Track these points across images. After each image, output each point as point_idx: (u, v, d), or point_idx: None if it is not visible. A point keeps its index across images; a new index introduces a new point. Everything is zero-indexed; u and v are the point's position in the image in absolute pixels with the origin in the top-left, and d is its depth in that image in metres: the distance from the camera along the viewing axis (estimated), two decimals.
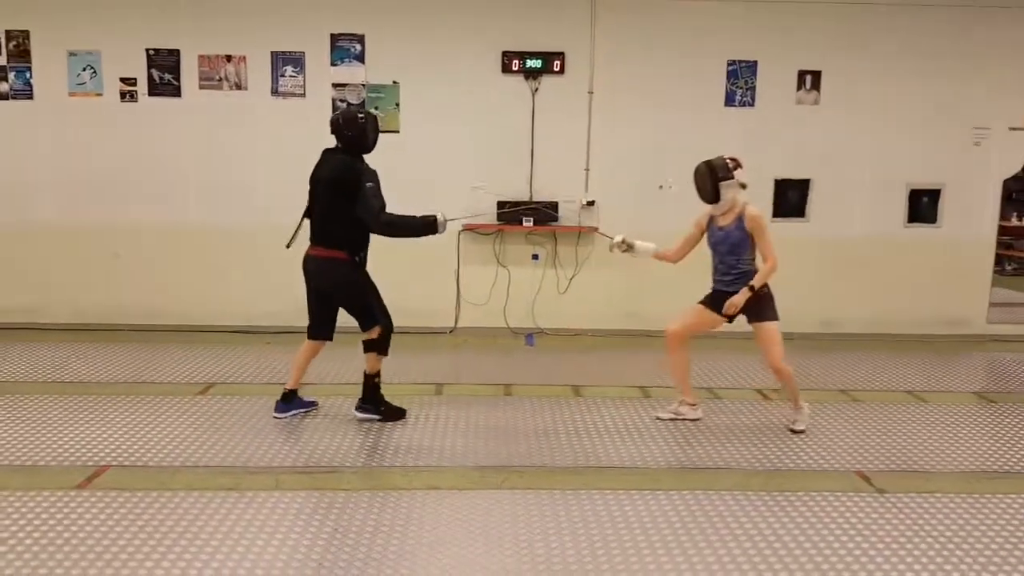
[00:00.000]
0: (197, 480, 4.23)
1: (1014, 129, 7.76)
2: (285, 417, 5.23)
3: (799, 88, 7.66)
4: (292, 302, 7.56)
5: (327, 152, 5.14)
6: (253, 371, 6.35)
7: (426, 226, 5.01)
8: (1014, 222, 12.76)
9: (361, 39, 7.52)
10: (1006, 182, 8.03)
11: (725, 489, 4.24)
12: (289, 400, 5.28)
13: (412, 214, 5.03)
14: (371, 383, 5.19)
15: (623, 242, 5.27)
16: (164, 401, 5.49)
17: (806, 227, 7.76)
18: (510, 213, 7.52)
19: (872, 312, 7.90)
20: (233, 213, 7.60)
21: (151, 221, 7.59)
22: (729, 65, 7.61)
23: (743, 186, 5.00)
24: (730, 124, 7.62)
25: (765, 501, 4.10)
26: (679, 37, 7.56)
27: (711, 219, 5.12)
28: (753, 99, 7.65)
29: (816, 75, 7.64)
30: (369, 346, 5.13)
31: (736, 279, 5.00)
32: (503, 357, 6.96)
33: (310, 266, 5.08)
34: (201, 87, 7.52)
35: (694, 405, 5.35)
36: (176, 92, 7.52)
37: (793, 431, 5.15)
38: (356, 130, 5.00)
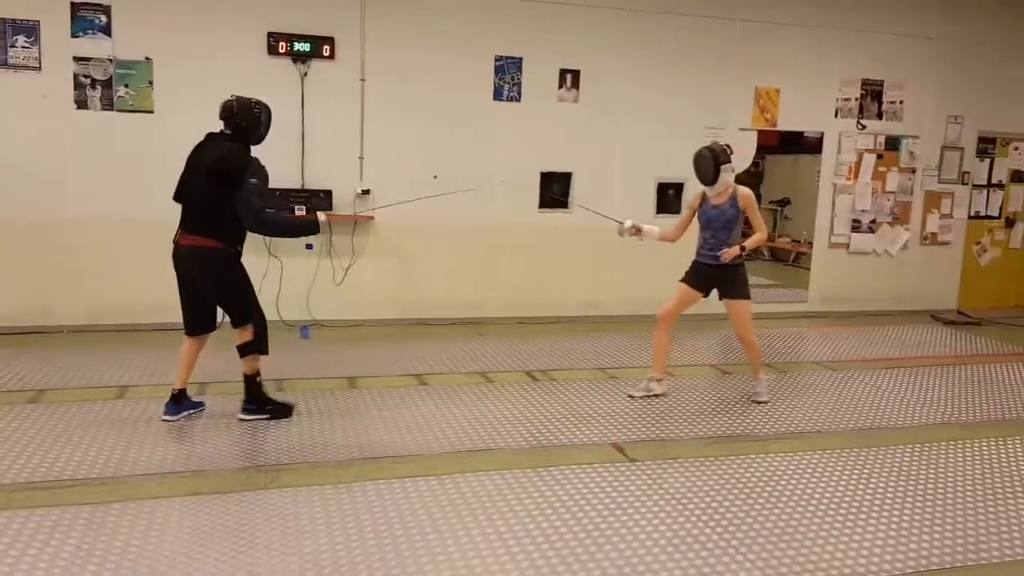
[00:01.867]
0: None
1: (743, 130, 8.73)
2: (176, 419, 4.88)
3: (560, 86, 8.08)
4: (29, 299, 6.93)
5: (212, 136, 4.80)
6: None
7: (305, 226, 4.92)
8: None
9: (107, 10, 6.89)
10: (739, 177, 8.96)
11: (495, 469, 4.41)
12: (179, 401, 4.92)
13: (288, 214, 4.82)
14: (253, 383, 4.96)
15: (633, 226, 5.71)
16: None
17: (568, 217, 8.20)
18: (280, 201, 7.26)
19: (631, 294, 8.53)
20: None
21: None
22: (496, 60, 7.86)
23: (734, 170, 5.57)
24: (499, 117, 7.89)
25: (530, 478, 4.31)
26: (449, 29, 7.68)
27: (704, 199, 5.60)
28: (520, 94, 7.96)
29: (576, 74, 8.10)
30: (245, 349, 4.89)
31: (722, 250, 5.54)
32: (275, 351, 6.71)
33: (183, 255, 4.71)
34: None
35: (661, 380, 5.82)
36: None
37: (756, 402, 5.74)
38: (249, 119, 4.76)
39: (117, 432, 4.75)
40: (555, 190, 8.12)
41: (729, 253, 5.52)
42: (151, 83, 7.04)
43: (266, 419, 5.00)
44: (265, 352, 5.01)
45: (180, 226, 4.79)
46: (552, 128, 8.05)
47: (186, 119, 6.99)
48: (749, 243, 5.56)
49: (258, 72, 7.19)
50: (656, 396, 5.79)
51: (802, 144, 11.70)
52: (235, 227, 4.76)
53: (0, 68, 6.73)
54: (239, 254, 4.87)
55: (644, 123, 8.35)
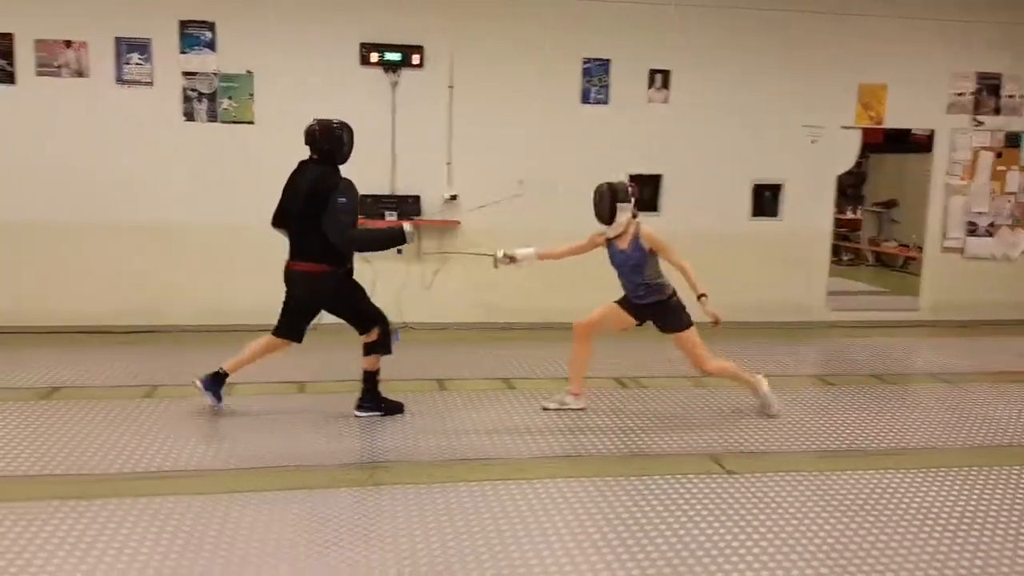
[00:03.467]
0: (38, 489, 3.95)
1: (846, 128, 8.37)
2: (207, 396, 5.07)
3: (650, 86, 7.95)
4: (141, 300, 7.28)
5: (304, 163, 4.96)
6: (101, 374, 5.98)
7: (392, 238, 4.96)
8: (849, 215, 13.79)
9: (212, 26, 7.19)
10: (841, 178, 8.66)
11: (586, 476, 4.34)
12: (216, 382, 5.08)
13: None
14: (371, 381, 5.12)
15: (504, 256, 5.25)
16: (3, 407, 5.08)
17: (657, 221, 8.02)
18: (372, 207, 7.41)
19: (721, 300, 8.25)
20: (75, 208, 7.12)
21: None
22: (584, 63, 7.80)
23: (635, 215, 5.10)
24: (586, 121, 7.82)
25: (623, 486, 4.21)
26: (536, 34, 7.67)
27: (610, 242, 5.19)
28: (607, 97, 7.87)
29: (666, 74, 7.95)
30: (370, 348, 5.04)
31: (647, 292, 5.15)
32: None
33: (294, 278, 4.93)
34: (39, 73, 6.98)
35: (578, 395, 5.46)
36: (9, 79, 6.94)
37: (767, 415, 5.38)
38: (332, 141, 4.88)
39: (224, 425, 4.92)
40: (644, 194, 7.98)
41: (716, 315, 5.00)
42: (252, 95, 7.29)
43: (380, 415, 5.15)
44: (388, 352, 5.13)
45: (289, 252, 4.96)
46: (641, 130, 7.92)
47: (284, 129, 7.21)
48: (698, 286, 4.98)
49: (351, 82, 7.36)
50: (572, 410, 5.44)
51: (909, 142, 11.15)
52: (334, 250, 4.87)
53: (116, 84, 7.11)
54: (349, 272, 4.99)
55: (738, 123, 8.12)
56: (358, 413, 5.15)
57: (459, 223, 7.57)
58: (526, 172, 7.64)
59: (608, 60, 7.82)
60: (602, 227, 5.14)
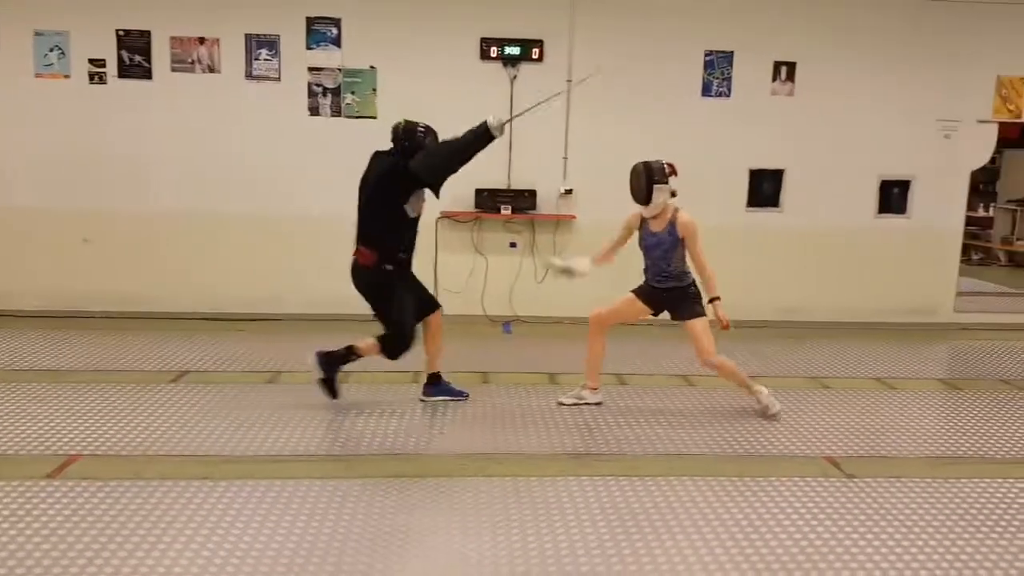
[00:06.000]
0: (171, 469, 4.20)
1: (982, 122, 7.90)
2: (429, 400, 5.32)
3: (774, 79, 7.72)
4: (264, 288, 7.64)
5: (377, 154, 5.13)
6: (226, 359, 6.30)
7: (479, 137, 4.72)
8: (981, 212, 13.01)
9: (338, 23, 7.44)
10: (974, 173, 8.18)
11: (699, 475, 4.30)
12: (434, 383, 5.34)
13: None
14: (349, 358, 5.12)
15: (562, 267, 5.26)
16: (136, 389, 5.43)
17: (780, 217, 7.85)
18: (488, 201, 7.53)
19: (843, 300, 8.00)
20: (205, 198, 7.52)
21: (122, 206, 7.48)
22: (706, 55, 7.65)
23: (673, 194, 5.04)
24: (707, 114, 7.68)
25: (737, 487, 4.16)
26: (658, 27, 7.57)
27: (643, 222, 5.16)
28: (730, 89, 7.70)
29: (791, 66, 7.70)
30: (379, 341, 5.09)
31: (668, 278, 5.12)
32: (480, 345, 6.97)
33: (352, 266, 5.09)
34: (173, 69, 7.41)
35: (595, 390, 5.42)
36: (147, 74, 7.39)
37: (767, 416, 5.21)
38: (413, 141, 4.99)
39: (342, 415, 5.12)
40: (764, 188, 7.78)
41: (724, 319, 4.98)
42: (375, 90, 7.52)
43: (326, 386, 5.10)
44: (393, 359, 5.10)
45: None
46: (764, 123, 7.70)
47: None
48: (717, 292, 4.99)
49: (471, 76, 7.47)
50: (589, 404, 5.36)
51: None
52: (389, 238, 4.97)
53: (246, 79, 7.47)
54: (390, 272, 5.00)
55: (866, 116, 7.78)
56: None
57: (575, 217, 7.59)
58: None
59: (731, 52, 7.65)
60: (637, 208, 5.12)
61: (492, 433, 4.87)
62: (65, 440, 4.53)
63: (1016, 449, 4.86)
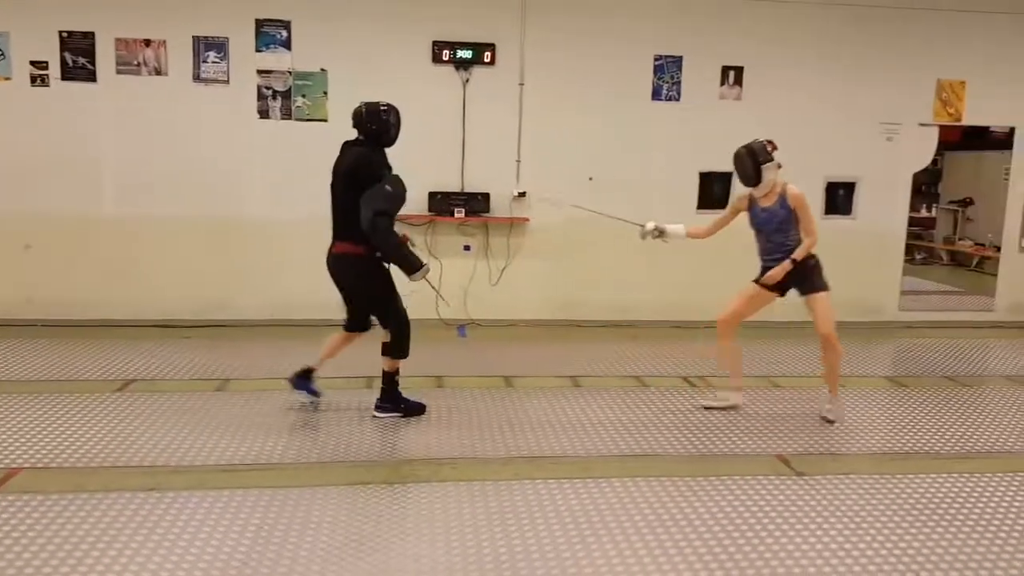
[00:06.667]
0: (115, 481, 4.09)
1: (923, 125, 8.12)
2: (300, 395, 5.18)
3: (723, 83, 7.84)
4: (212, 294, 7.51)
5: (347, 144, 4.99)
6: (173, 367, 6.16)
7: (407, 262, 4.79)
8: (923, 213, 13.38)
9: (288, 25, 7.35)
10: (916, 175, 8.40)
11: (654, 475, 4.33)
12: (304, 377, 5.17)
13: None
14: (389, 382, 5.09)
15: (655, 228, 5.40)
16: (80, 399, 5.28)
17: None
18: (442, 204, 7.50)
19: (791, 301, 8.12)
20: (151, 202, 7.37)
21: (64, 211, 7.29)
22: (656, 60, 7.74)
23: (779, 166, 5.13)
24: (657, 117, 7.77)
25: (691, 486, 4.19)
26: (608, 32, 7.64)
27: (752, 202, 5.23)
28: (679, 93, 7.80)
29: (739, 71, 7.84)
30: (386, 349, 5.02)
31: (784, 255, 5.14)
32: (435, 348, 6.93)
33: (332, 261, 4.96)
34: (119, 72, 7.24)
35: (740, 390, 5.50)
36: (91, 77, 7.22)
37: (826, 420, 5.27)
38: (379, 123, 4.88)
39: (292, 423, 5.04)
40: (715, 191, 7.89)
41: (772, 278, 5.13)
42: (326, 93, 7.44)
43: (399, 417, 5.09)
44: (403, 356, 5.07)
45: (333, 235, 4.99)
46: (713, 127, 7.81)
47: None
48: (798, 254, 5.07)
49: (423, 80, 7.44)
50: (732, 408, 5.45)
51: (987, 140, 10.76)
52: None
53: (194, 82, 7.33)
54: (381, 259, 4.93)
55: (812, 120, 7.95)
56: (377, 414, 5.10)
57: (528, 220, 7.61)
58: (596, 169, 7.63)
59: (680, 56, 7.75)
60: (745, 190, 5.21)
61: (446, 437, 4.84)
62: (5, 453, 4.38)
63: (960, 444, 5.00)
